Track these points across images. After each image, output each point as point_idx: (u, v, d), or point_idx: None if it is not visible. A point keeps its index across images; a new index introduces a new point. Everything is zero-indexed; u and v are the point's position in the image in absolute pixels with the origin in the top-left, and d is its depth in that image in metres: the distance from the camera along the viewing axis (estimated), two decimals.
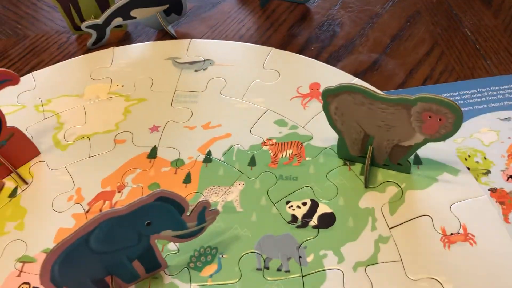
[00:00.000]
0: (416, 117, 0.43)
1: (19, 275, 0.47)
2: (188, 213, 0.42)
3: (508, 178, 0.48)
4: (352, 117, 0.46)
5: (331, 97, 0.46)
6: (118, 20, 0.67)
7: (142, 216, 0.40)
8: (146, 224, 0.40)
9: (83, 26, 0.66)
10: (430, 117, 0.42)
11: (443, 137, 0.44)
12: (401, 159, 0.48)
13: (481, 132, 0.52)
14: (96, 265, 0.41)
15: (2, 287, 0.46)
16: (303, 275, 0.44)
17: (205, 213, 0.43)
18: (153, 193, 0.39)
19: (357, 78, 0.59)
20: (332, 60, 0.63)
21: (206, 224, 0.44)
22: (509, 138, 0.51)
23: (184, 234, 0.43)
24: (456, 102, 0.41)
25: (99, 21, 0.66)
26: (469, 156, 0.50)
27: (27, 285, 0.46)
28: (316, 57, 0.64)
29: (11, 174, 0.55)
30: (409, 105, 0.43)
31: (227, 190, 0.51)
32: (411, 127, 0.44)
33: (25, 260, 0.48)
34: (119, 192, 0.52)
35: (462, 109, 0.54)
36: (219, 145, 0.55)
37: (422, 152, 0.50)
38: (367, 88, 0.43)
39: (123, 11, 0.66)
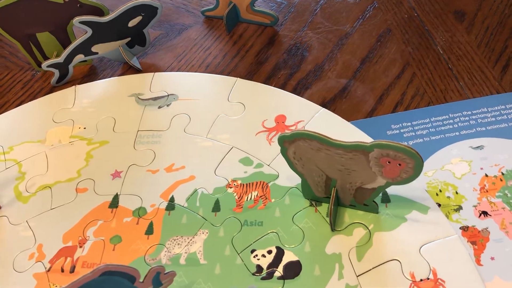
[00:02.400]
0: (375, 162, 0.41)
1: None
2: (141, 280, 0.40)
3: (480, 215, 0.45)
4: (311, 161, 0.44)
5: (287, 143, 0.44)
6: (80, 57, 0.65)
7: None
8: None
9: (43, 66, 0.64)
10: (389, 162, 0.40)
11: (406, 181, 0.42)
12: (367, 200, 0.46)
13: (453, 163, 0.49)
14: None
15: None
16: None
17: (159, 277, 0.41)
18: (98, 269, 0.37)
19: (323, 109, 0.57)
20: (300, 87, 0.61)
21: (163, 286, 0.42)
22: (481, 169, 0.48)
23: None
24: (412, 148, 0.38)
25: (60, 59, 0.64)
26: (440, 190, 0.48)
27: None
28: (284, 84, 0.62)
29: None
30: (365, 151, 0.40)
31: (191, 240, 0.49)
32: (371, 171, 0.42)
33: None
34: (80, 247, 0.50)
35: (434, 137, 0.52)
36: (182, 189, 0.53)
37: (390, 188, 0.48)
38: (321, 135, 0.41)
39: (84, 48, 0.64)
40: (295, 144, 0.43)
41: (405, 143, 0.39)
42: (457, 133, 0.52)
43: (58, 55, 0.65)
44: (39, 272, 0.49)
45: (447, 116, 0.53)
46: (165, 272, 0.41)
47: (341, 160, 0.43)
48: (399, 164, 0.40)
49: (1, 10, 0.62)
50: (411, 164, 0.40)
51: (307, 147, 0.43)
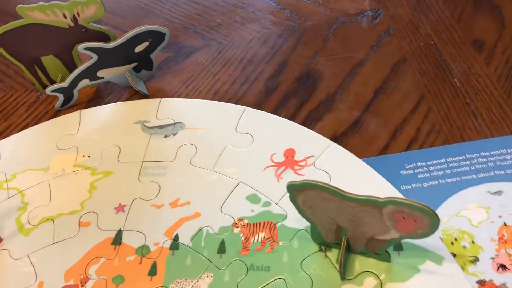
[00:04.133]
0: (389, 217, 0.39)
1: None
2: None
3: (498, 268, 0.43)
4: (321, 210, 0.43)
5: (297, 191, 0.42)
6: (85, 82, 0.64)
7: None
8: None
9: (47, 91, 0.63)
10: (403, 218, 0.38)
11: (421, 236, 0.40)
12: (379, 250, 0.44)
13: (469, 209, 0.47)
14: None
15: None
16: None
17: None
18: None
19: (334, 144, 0.55)
20: (310, 119, 0.59)
21: None
22: (500, 217, 0.46)
23: None
24: (427, 207, 0.36)
25: (65, 84, 0.63)
26: (455, 239, 0.46)
27: None
28: (294, 115, 0.60)
29: None
30: (379, 206, 0.38)
31: (195, 283, 0.47)
32: (384, 224, 0.40)
33: None
34: (82, 286, 0.49)
35: (449, 180, 0.50)
36: (187, 227, 0.51)
37: None
38: (333, 187, 0.39)
39: (90, 73, 0.63)
40: (304, 193, 0.42)
41: (420, 202, 0.37)
42: (474, 176, 0.50)
43: (63, 79, 0.63)
44: None
45: (464, 157, 0.51)
46: None
47: (352, 212, 0.41)
48: (415, 221, 0.38)
49: (7, 34, 0.61)
50: (426, 222, 0.38)
51: (317, 196, 0.41)
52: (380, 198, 0.38)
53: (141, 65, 0.65)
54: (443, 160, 0.52)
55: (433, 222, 0.38)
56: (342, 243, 0.44)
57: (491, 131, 0.54)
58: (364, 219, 0.41)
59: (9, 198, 0.57)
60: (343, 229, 0.44)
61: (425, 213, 0.37)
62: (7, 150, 0.62)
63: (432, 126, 0.55)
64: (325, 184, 0.40)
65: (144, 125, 0.62)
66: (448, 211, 0.48)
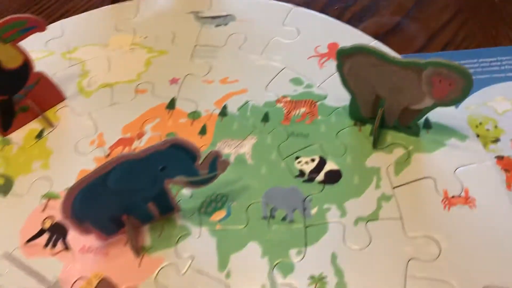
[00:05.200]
0: (426, 81, 0.44)
1: (43, 210, 0.51)
2: (200, 162, 0.44)
3: None
4: (364, 78, 0.47)
5: (345, 57, 0.47)
6: None
7: (156, 162, 0.42)
8: (161, 169, 0.43)
9: None
10: (440, 81, 0.43)
11: (453, 102, 0.45)
12: (411, 122, 0.49)
13: (496, 101, 0.52)
14: (113, 205, 0.44)
15: (28, 219, 0.50)
16: (306, 226, 0.46)
17: (216, 162, 0.45)
18: (167, 140, 0.41)
19: (376, 40, 0.59)
20: (354, 20, 0.63)
21: (217, 173, 0.46)
22: None
23: (196, 181, 0.46)
24: (466, 68, 0.41)
25: None
26: (480, 123, 0.50)
27: (51, 219, 0.50)
28: (339, 16, 0.64)
29: (38, 117, 0.58)
30: (420, 68, 0.43)
31: (240, 143, 0.53)
32: (421, 90, 0.45)
33: (49, 196, 0.52)
34: (138, 139, 0.55)
35: (480, 76, 0.54)
36: (235, 100, 0.57)
37: (433, 117, 0.51)
38: (380, 50, 0.44)
39: None
40: (352, 59, 0.46)
41: (458, 63, 0.42)
42: (503, 75, 0.54)
43: None
44: (99, 157, 0.54)
45: (495, 59, 0.56)
46: (222, 159, 0.45)
47: (393, 78, 0.45)
48: (450, 84, 0.43)
49: None
50: (461, 84, 0.42)
51: (363, 62, 0.46)
52: (421, 60, 0.43)
53: None
54: (475, 60, 0.56)
55: (467, 84, 0.42)
56: (378, 114, 0.49)
57: None
58: (403, 86, 0.46)
59: (71, 66, 0.63)
60: (381, 100, 0.49)
61: (462, 74, 0.42)
62: (69, 28, 0.68)
63: (468, 33, 0.60)
64: (372, 47, 0.44)
65: (197, 15, 0.67)
66: (476, 101, 0.52)
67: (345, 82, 0.49)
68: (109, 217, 0.45)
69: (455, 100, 0.44)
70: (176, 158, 0.42)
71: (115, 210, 0.45)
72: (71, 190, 0.40)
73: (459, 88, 0.43)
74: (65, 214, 0.42)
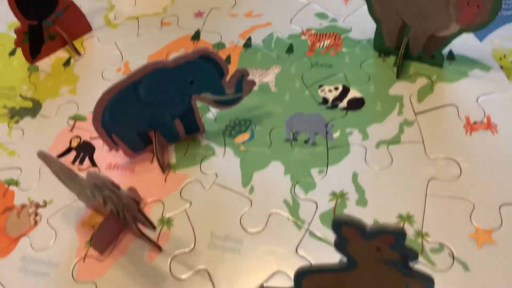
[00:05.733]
0: (454, 4, 0.44)
1: (71, 130, 0.52)
2: (227, 79, 0.45)
3: None
4: (391, 3, 0.48)
5: None
6: None
7: (186, 73, 0.43)
8: (189, 82, 0.44)
9: None
10: (468, 3, 0.43)
11: (478, 27, 0.45)
12: (435, 51, 0.50)
13: None
14: (142, 118, 0.45)
15: (56, 139, 0.52)
16: (328, 148, 0.47)
17: (242, 82, 0.46)
18: (197, 49, 0.42)
19: None
20: None
21: (243, 93, 0.47)
22: None
23: (222, 100, 0.47)
24: None
25: None
26: (504, 56, 0.51)
27: (78, 138, 0.52)
28: None
29: (66, 46, 0.59)
30: None
31: (264, 72, 0.54)
32: (447, 15, 0.45)
33: (77, 118, 0.53)
34: None
35: (506, 13, 0.54)
36: (259, 33, 0.57)
37: (457, 49, 0.51)
38: None
39: None
40: None
41: None
42: None
43: None
44: None
45: None
46: (248, 78, 0.46)
47: (420, 2, 0.46)
48: (478, 6, 0.43)
49: None
50: (489, 6, 0.43)
51: None
52: None
53: None
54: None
55: (495, 7, 0.42)
56: (403, 42, 0.50)
57: None
58: (429, 11, 0.46)
59: (97, 0, 0.64)
60: (406, 28, 0.49)
61: None
62: None
63: None
64: None
65: None
66: (501, 36, 0.52)
67: (371, 9, 0.49)
68: (137, 131, 0.46)
69: (481, 25, 0.44)
70: (205, 71, 0.43)
71: (143, 125, 0.46)
72: (103, 96, 0.42)
73: (487, 11, 0.43)
74: (96, 122, 0.43)
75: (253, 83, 0.47)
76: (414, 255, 0.28)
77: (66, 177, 0.40)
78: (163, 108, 0.45)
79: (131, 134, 0.46)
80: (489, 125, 0.46)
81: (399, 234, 0.26)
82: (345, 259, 0.30)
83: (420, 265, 0.40)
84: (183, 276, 0.41)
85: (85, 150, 0.51)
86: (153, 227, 0.37)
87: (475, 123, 0.47)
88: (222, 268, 0.41)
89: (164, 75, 0.42)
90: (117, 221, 0.43)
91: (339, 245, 0.29)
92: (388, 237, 0.26)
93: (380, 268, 0.30)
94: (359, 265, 0.30)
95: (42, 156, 0.39)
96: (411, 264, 0.29)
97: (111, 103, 0.42)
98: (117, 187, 0.33)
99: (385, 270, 0.30)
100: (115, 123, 0.44)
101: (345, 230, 0.27)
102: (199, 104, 0.47)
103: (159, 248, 0.43)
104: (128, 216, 0.38)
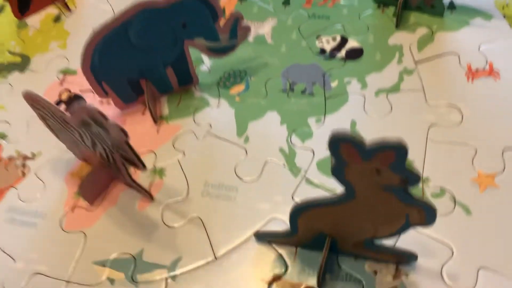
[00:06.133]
0: None
1: (61, 84, 0.51)
2: (221, 26, 0.44)
3: None
4: None
5: None
6: None
7: (178, 14, 0.41)
8: (182, 25, 0.42)
9: None
10: None
11: None
12: (435, 0, 0.48)
13: None
14: (133, 64, 0.44)
15: (46, 92, 0.50)
16: (326, 97, 0.46)
17: (237, 28, 0.44)
18: None
19: None
20: None
21: (238, 39, 0.45)
22: None
23: (216, 48, 0.45)
24: None
25: None
26: (507, 4, 0.49)
27: (68, 91, 0.50)
28: None
29: (56, 2, 0.57)
30: None
31: (260, 24, 0.52)
32: None
33: (67, 72, 0.51)
34: None
35: None
36: None
37: None
38: None
39: None
40: None
41: None
42: None
43: None
44: None
45: None
46: (243, 23, 0.44)
47: None
48: None
49: None
50: None
51: None
52: None
53: None
54: None
55: None
56: None
57: None
58: None
59: None
60: None
61: None
62: None
63: None
64: None
65: None
66: None
67: None
68: (128, 80, 0.45)
69: None
70: (198, 13, 0.42)
71: (134, 72, 0.44)
72: (93, 37, 0.40)
73: None
74: (85, 65, 0.42)
75: (248, 28, 0.45)
76: (415, 177, 0.26)
77: (54, 122, 0.39)
78: (154, 53, 0.43)
79: (122, 83, 0.45)
80: (492, 72, 0.45)
81: (400, 149, 0.24)
82: (343, 189, 0.29)
83: None
84: (176, 224, 0.40)
85: (75, 103, 0.49)
86: (142, 165, 0.36)
87: (477, 70, 0.45)
88: (216, 215, 0.40)
89: (155, 16, 0.40)
90: (106, 169, 0.41)
91: (337, 170, 0.27)
92: (388, 154, 0.25)
93: (379, 196, 0.28)
94: (357, 195, 0.29)
95: (28, 97, 0.37)
96: (412, 186, 0.27)
97: (100, 45, 0.41)
98: (104, 117, 0.32)
99: (385, 199, 0.28)
100: (105, 68, 0.43)
101: (343, 148, 0.26)
102: (193, 57, 0.46)
103: (150, 197, 0.41)
104: (117, 158, 0.37)
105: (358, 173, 0.27)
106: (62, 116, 0.36)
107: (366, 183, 0.28)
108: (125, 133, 0.32)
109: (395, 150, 0.25)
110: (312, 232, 0.35)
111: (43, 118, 0.40)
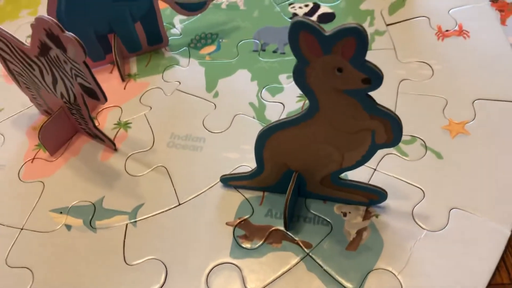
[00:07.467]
0: None
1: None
2: None
3: None
4: None
5: None
6: None
7: None
8: None
9: None
10: None
11: None
12: None
13: None
14: (100, 12, 0.43)
15: None
16: None
17: None
18: None
19: None
20: None
21: None
22: None
23: (186, 4, 0.45)
24: None
25: None
26: None
27: None
28: None
29: None
30: None
31: None
32: None
33: None
34: None
35: None
36: None
37: None
38: None
39: None
40: None
41: None
42: None
43: None
44: None
45: None
46: None
47: None
48: None
49: None
50: None
51: None
52: None
53: None
54: None
55: None
56: None
57: None
58: None
59: None
60: None
61: None
62: None
63: None
64: None
65: None
66: None
67: None
68: (96, 33, 0.44)
69: None
70: None
71: (102, 24, 0.43)
72: None
73: None
74: (51, 9, 0.40)
75: None
76: (377, 75, 0.25)
77: (15, 61, 0.37)
78: (122, 3, 0.43)
79: (89, 37, 0.44)
80: (461, 32, 0.45)
81: (360, 33, 0.24)
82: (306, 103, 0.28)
83: (392, 156, 0.38)
84: (139, 174, 0.38)
85: None
86: (103, 95, 0.34)
87: (447, 31, 0.45)
88: (182, 165, 0.39)
89: None
90: (69, 120, 0.40)
91: (299, 71, 0.26)
92: (349, 41, 0.24)
93: (343, 107, 0.27)
94: (321, 105, 0.28)
95: None
96: (375, 87, 0.26)
97: None
98: (62, 29, 0.31)
99: (349, 108, 0.27)
100: (72, 16, 0.41)
101: (303, 39, 0.25)
102: (165, 21, 0.45)
103: (114, 146, 0.40)
104: (78, 92, 0.35)
105: (319, 75, 0.26)
106: (20, 47, 0.35)
107: (328, 88, 0.27)
108: (84, 51, 0.31)
109: (354, 35, 0.24)
110: (278, 168, 0.33)
111: (3, 60, 0.39)
